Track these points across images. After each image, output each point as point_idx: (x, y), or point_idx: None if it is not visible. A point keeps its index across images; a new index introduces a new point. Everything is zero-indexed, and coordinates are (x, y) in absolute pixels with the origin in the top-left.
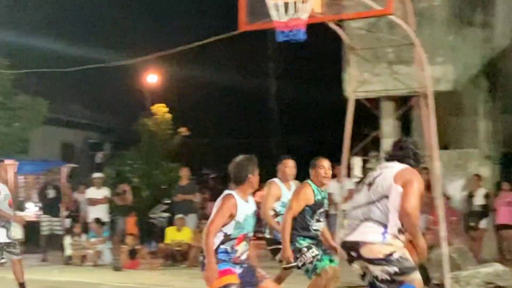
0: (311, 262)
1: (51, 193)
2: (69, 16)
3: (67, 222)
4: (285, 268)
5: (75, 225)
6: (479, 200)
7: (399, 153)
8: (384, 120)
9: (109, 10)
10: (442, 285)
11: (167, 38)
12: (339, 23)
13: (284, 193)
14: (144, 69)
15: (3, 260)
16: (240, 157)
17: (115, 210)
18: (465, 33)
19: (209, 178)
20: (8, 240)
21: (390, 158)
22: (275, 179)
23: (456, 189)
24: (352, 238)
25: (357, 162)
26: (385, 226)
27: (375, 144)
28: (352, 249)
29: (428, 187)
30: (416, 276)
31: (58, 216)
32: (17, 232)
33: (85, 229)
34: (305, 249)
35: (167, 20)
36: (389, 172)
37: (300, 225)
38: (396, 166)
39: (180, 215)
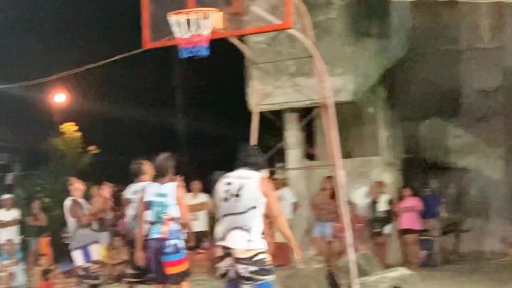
0: None
1: None
2: None
3: None
4: None
5: None
6: (382, 206)
7: (252, 160)
8: (288, 132)
9: (13, 30)
10: None
11: (74, 57)
12: (241, 38)
13: None
14: (51, 88)
15: None
16: (161, 156)
17: (27, 231)
18: (362, 44)
19: (121, 195)
20: None
21: (244, 165)
22: None
23: (360, 196)
24: (226, 243)
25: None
26: (250, 233)
27: (280, 155)
28: (228, 250)
29: (333, 195)
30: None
31: None
32: None
33: None
34: None
35: (74, 39)
36: (251, 183)
37: None
38: (253, 176)
39: None
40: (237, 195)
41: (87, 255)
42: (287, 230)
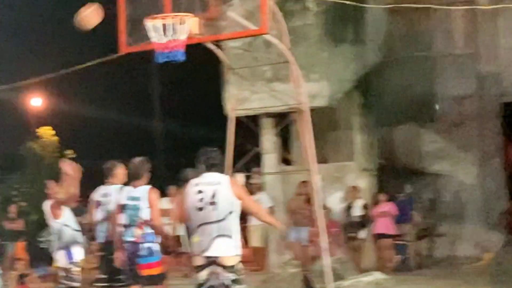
0: None
1: None
2: None
3: None
4: None
5: None
6: (357, 211)
7: (215, 162)
8: (264, 136)
9: None
10: None
11: (52, 61)
12: (217, 43)
13: None
14: (28, 92)
15: None
16: (136, 159)
17: (4, 235)
18: (338, 50)
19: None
20: None
21: (209, 169)
22: None
23: (335, 201)
24: (212, 253)
25: (239, 178)
26: (233, 239)
27: (257, 160)
28: (211, 259)
29: (308, 200)
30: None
31: None
32: None
33: None
34: None
35: (52, 42)
36: (223, 188)
37: None
38: (222, 180)
39: None
40: (213, 203)
41: (69, 256)
42: (270, 219)
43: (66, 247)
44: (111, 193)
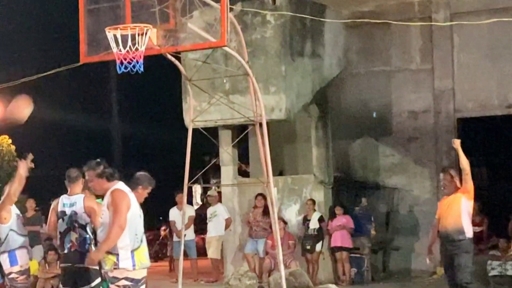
0: None
1: None
2: None
3: None
4: None
5: None
6: (314, 223)
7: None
8: (223, 148)
9: None
10: None
11: (10, 69)
12: (177, 54)
13: None
14: None
15: None
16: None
17: None
18: (296, 64)
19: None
20: None
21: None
22: None
23: (292, 214)
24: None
25: (198, 189)
26: None
27: (216, 171)
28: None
29: (265, 212)
30: None
31: None
32: None
33: None
34: None
35: (9, 51)
36: None
37: None
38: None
39: None
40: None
41: (12, 259)
42: None
43: (10, 251)
44: (76, 203)
